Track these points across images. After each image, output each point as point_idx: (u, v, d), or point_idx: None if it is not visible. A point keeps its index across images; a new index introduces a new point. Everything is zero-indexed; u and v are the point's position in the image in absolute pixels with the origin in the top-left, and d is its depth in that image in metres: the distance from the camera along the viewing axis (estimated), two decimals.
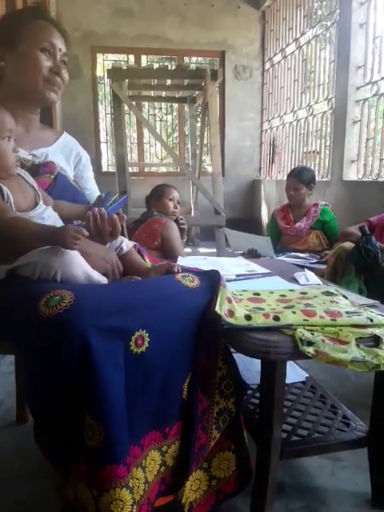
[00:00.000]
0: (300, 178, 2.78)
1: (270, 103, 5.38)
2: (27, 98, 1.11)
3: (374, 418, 1.09)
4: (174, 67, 3.96)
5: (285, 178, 2.95)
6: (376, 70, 3.15)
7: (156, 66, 3.94)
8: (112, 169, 5.25)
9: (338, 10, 3.58)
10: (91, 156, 1.35)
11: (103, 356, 0.75)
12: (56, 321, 0.75)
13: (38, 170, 1.09)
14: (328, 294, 1.09)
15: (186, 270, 1.03)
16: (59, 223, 1.05)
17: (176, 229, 2.34)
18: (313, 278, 1.31)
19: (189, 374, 0.91)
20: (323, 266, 2.25)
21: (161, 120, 6.18)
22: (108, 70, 3.70)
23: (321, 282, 1.28)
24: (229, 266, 1.41)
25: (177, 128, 6.09)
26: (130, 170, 4.95)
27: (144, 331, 0.82)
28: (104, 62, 5.43)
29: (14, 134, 0.97)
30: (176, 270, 1.02)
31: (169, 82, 4.05)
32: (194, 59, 5.85)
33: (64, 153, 1.22)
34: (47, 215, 1.01)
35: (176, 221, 2.39)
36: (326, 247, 2.72)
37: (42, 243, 0.87)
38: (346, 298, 1.07)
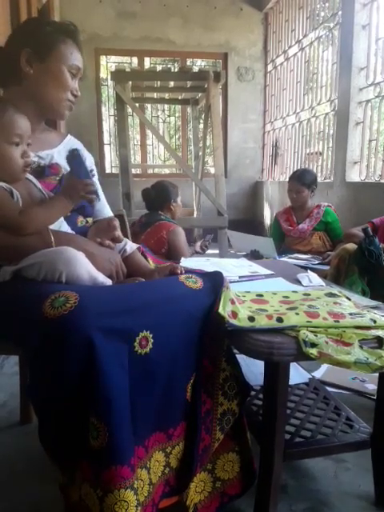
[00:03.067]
0: (302, 180, 2.78)
1: (272, 105, 5.38)
2: (43, 109, 1.14)
3: (377, 420, 1.09)
4: (176, 69, 3.98)
5: (287, 179, 2.95)
6: (379, 71, 3.16)
7: (159, 68, 3.95)
8: (115, 170, 5.26)
9: (340, 12, 3.59)
10: (95, 158, 1.36)
11: (107, 357, 0.76)
12: (61, 322, 0.75)
13: (43, 171, 1.10)
14: (331, 295, 1.09)
15: (189, 271, 1.04)
16: (65, 226, 1.06)
17: (183, 235, 2.31)
18: (316, 279, 1.31)
19: (192, 376, 0.92)
20: (326, 267, 2.25)
21: (164, 122, 6.20)
22: (111, 72, 3.71)
23: (324, 284, 1.29)
24: (232, 268, 1.41)
25: (180, 130, 6.10)
26: (133, 171, 4.95)
27: (148, 332, 0.82)
28: (107, 64, 5.45)
29: (26, 139, 0.97)
30: (179, 271, 1.02)
31: (172, 83, 4.06)
32: (196, 61, 5.86)
33: None
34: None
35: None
36: (329, 248, 2.72)
37: (59, 206, 0.96)
38: (350, 299, 1.07)
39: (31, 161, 0.99)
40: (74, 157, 1.04)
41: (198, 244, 2.48)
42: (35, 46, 1.07)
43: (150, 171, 5.90)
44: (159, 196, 2.42)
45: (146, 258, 1.17)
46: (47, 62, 1.08)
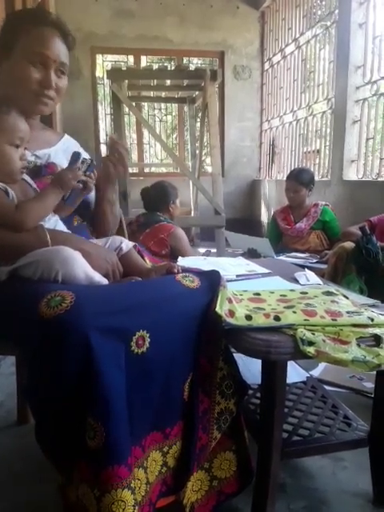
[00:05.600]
0: (299, 179, 2.78)
1: (269, 103, 5.38)
2: (19, 108, 1.05)
3: (375, 418, 1.09)
4: (173, 68, 3.97)
5: (285, 178, 2.95)
6: (375, 69, 3.15)
7: (155, 66, 3.95)
8: None
9: (337, 10, 3.58)
10: (91, 157, 1.35)
11: (104, 357, 0.76)
12: (57, 321, 0.75)
13: (40, 171, 1.09)
14: (328, 293, 1.08)
15: (186, 270, 1.03)
16: (60, 225, 1.05)
17: (185, 237, 2.29)
18: (313, 277, 1.31)
19: (189, 375, 0.91)
20: (324, 266, 2.25)
21: (160, 120, 6.18)
22: (108, 71, 3.70)
23: (321, 282, 1.28)
24: (229, 267, 1.41)
25: (176, 128, 6.09)
26: (130, 170, 4.95)
27: (145, 332, 0.82)
28: (103, 63, 5.44)
29: (25, 142, 0.97)
30: (176, 270, 1.02)
31: (168, 82, 4.05)
32: (193, 60, 5.85)
33: (66, 154, 1.21)
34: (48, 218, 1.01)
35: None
36: (326, 247, 2.72)
37: (51, 195, 0.96)
38: (347, 297, 1.07)
39: (28, 162, 0.99)
40: (74, 158, 1.05)
41: None
42: (1, 42, 1.05)
43: (146, 170, 5.88)
44: (158, 197, 2.41)
45: (142, 256, 1.16)
46: (10, 57, 1.04)
